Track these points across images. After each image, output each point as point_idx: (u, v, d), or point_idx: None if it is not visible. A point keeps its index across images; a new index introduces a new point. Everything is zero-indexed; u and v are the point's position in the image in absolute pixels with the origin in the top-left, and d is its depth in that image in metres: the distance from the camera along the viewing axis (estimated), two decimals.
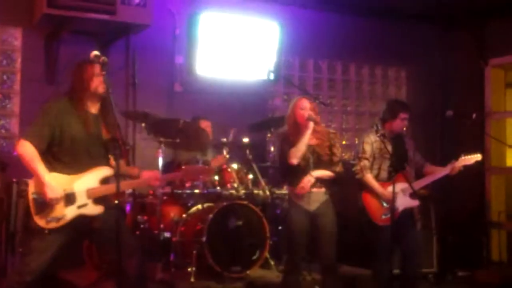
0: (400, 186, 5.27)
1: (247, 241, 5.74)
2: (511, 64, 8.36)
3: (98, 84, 4.13)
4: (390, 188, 5.20)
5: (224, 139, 6.42)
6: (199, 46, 7.53)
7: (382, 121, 5.51)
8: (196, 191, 6.00)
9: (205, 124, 6.64)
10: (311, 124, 4.83)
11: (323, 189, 4.92)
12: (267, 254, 5.95)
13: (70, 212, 4.03)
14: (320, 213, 4.87)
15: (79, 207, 4.06)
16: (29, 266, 4.00)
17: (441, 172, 5.48)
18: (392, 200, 5.13)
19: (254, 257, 5.75)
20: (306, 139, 4.82)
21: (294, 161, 4.82)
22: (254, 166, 6.40)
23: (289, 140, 4.93)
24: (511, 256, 7.92)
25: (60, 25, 6.55)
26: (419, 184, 5.49)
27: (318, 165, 4.86)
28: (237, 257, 5.67)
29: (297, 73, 8.49)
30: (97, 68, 4.10)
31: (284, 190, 6.32)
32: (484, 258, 7.72)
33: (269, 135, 7.17)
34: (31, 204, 3.96)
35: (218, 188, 6.07)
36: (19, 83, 6.73)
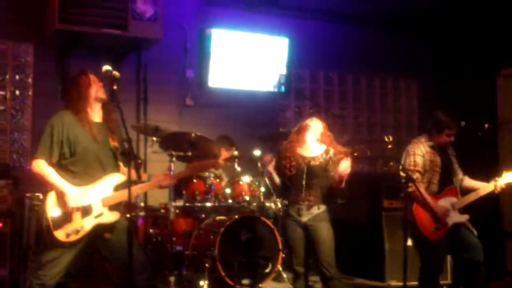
0: (450, 200, 5.20)
1: (259, 254, 5.72)
2: None
3: (97, 90, 4.19)
4: (440, 203, 5.14)
5: (236, 152, 6.45)
6: (210, 60, 7.58)
7: (428, 133, 5.37)
8: (208, 204, 6.00)
9: (228, 153, 6.73)
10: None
11: (316, 202, 4.86)
12: (279, 267, 5.92)
13: (88, 223, 4.06)
14: (312, 225, 4.83)
15: (96, 216, 4.09)
16: (42, 279, 4.01)
17: (485, 189, 5.31)
18: (444, 215, 5.08)
19: (267, 270, 5.73)
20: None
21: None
22: (266, 179, 6.39)
23: (284, 153, 4.97)
24: None
25: (72, 40, 6.60)
26: (465, 201, 5.33)
27: (312, 176, 4.85)
28: (250, 270, 5.65)
29: (308, 86, 8.50)
30: (92, 76, 4.19)
31: None
32: (499, 269, 7.64)
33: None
34: (49, 220, 3.97)
35: (230, 201, 6.07)
36: (31, 98, 6.79)
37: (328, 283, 4.82)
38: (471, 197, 5.34)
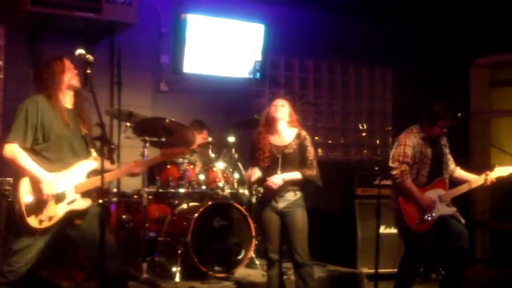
0: (437, 192, 5.19)
1: (232, 241, 5.73)
2: (496, 63, 8.41)
3: (71, 77, 4.15)
4: (428, 195, 5.15)
5: (210, 139, 6.43)
6: (185, 46, 7.53)
7: (420, 124, 5.31)
8: (181, 190, 5.98)
9: (205, 136, 6.75)
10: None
11: (293, 189, 4.89)
12: (252, 254, 5.94)
13: (61, 209, 4.02)
14: (288, 211, 4.86)
15: (69, 203, 4.05)
16: (13, 266, 3.97)
17: (476, 182, 5.31)
18: (430, 208, 5.09)
19: (240, 257, 5.75)
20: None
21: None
22: (240, 165, 6.39)
23: (254, 146, 5.01)
24: (494, 255, 7.97)
25: (44, 23, 6.50)
26: (455, 192, 5.33)
27: (287, 165, 4.85)
28: (223, 256, 5.66)
29: (283, 73, 8.49)
30: (67, 62, 4.14)
31: None
32: (468, 256, 7.74)
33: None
34: (22, 206, 3.91)
35: (204, 187, 6.06)
36: (2, 82, 6.66)
37: (300, 270, 4.85)
38: (461, 189, 5.34)
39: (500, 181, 5.32)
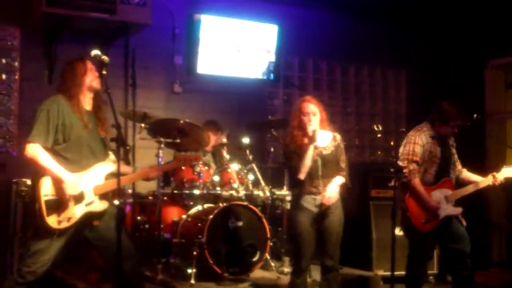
0: (444, 192, 5.16)
1: (247, 242, 5.70)
2: (511, 64, 8.34)
3: (92, 79, 4.15)
4: (434, 194, 5.12)
5: (224, 140, 6.41)
6: (199, 47, 7.53)
7: (431, 122, 5.27)
8: (196, 191, 5.97)
9: (218, 137, 6.73)
10: (315, 137, 4.67)
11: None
12: (267, 255, 5.92)
13: (79, 211, 4.03)
14: (327, 213, 4.77)
15: (87, 204, 4.06)
16: (31, 267, 3.98)
17: (483, 183, 5.27)
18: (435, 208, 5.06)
19: (255, 258, 5.72)
20: (310, 155, 4.69)
21: (302, 176, 4.71)
22: (254, 166, 6.38)
23: (291, 149, 4.81)
24: (511, 258, 7.90)
25: (59, 24, 6.51)
26: (461, 193, 5.27)
27: (325, 167, 4.77)
28: (238, 258, 5.64)
29: (296, 73, 8.47)
30: (89, 64, 4.16)
31: (284, 191, 6.29)
32: (484, 260, 7.69)
33: (269, 135, 7.15)
34: (43, 205, 3.92)
35: (218, 188, 6.04)
36: (18, 83, 6.69)
37: (328, 274, 4.79)
38: (468, 189, 5.30)
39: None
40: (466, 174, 5.44)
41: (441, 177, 5.20)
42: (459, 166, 5.42)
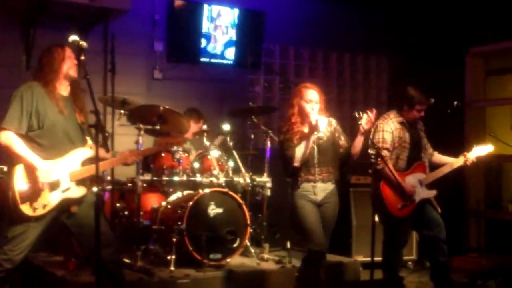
0: (418, 177, 5.23)
1: (227, 229, 5.70)
2: (491, 52, 8.39)
3: (70, 67, 4.12)
4: (408, 179, 5.16)
5: (204, 126, 6.38)
6: (179, 32, 7.47)
7: (398, 108, 5.36)
8: (176, 178, 5.95)
9: (197, 126, 6.71)
10: (318, 127, 4.58)
11: (330, 178, 4.80)
12: (247, 242, 5.93)
13: (55, 197, 4.01)
14: (327, 201, 4.77)
15: (64, 191, 4.04)
16: (8, 254, 3.96)
17: (456, 163, 5.35)
18: (411, 193, 5.13)
19: (235, 245, 5.72)
20: (309, 145, 4.65)
21: (297, 164, 4.67)
22: (235, 153, 6.37)
23: (287, 137, 4.74)
24: (489, 244, 8.00)
25: (37, 9, 6.43)
26: (435, 175, 5.37)
27: (322, 154, 4.75)
28: (217, 244, 5.64)
29: (278, 60, 8.43)
30: (68, 51, 4.12)
31: (265, 178, 6.30)
32: (462, 246, 7.78)
33: (249, 122, 7.14)
34: (16, 193, 3.89)
35: (198, 175, 6.02)
36: None
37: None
38: (442, 170, 5.38)
39: (491, 169, 5.38)
40: (438, 157, 5.55)
41: (413, 162, 5.27)
42: (430, 149, 5.52)
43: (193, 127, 6.61)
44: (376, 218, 5.06)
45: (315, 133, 4.63)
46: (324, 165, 4.77)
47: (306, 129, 4.73)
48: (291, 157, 4.67)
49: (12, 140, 3.92)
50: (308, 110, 4.72)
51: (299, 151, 4.67)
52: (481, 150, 5.42)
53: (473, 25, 8.25)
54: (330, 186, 4.82)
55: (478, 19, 8.19)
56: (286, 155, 4.73)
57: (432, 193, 5.34)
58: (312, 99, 4.76)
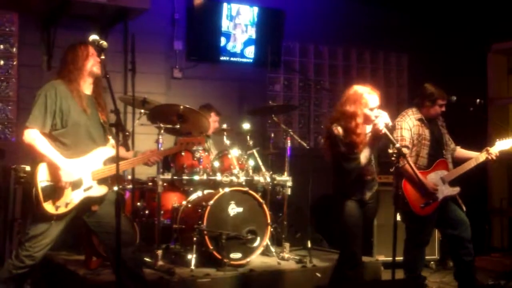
0: (440, 174, 5.15)
1: (248, 228, 5.67)
2: None
3: (93, 64, 4.12)
4: (430, 177, 5.09)
5: (224, 125, 6.36)
6: (199, 31, 7.47)
7: (417, 105, 5.27)
8: (196, 177, 5.93)
9: (214, 119, 6.72)
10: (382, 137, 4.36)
11: (375, 178, 4.66)
12: (267, 241, 5.90)
13: (77, 196, 4.03)
14: (372, 202, 4.66)
15: (85, 190, 4.06)
16: (29, 251, 3.99)
17: (478, 159, 5.25)
18: (433, 191, 5.03)
19: (255, 244, 5.69)
20: (373, 148, 4.44)
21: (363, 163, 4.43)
22: (255, 152, 6.34)
23: (353, 149, 4.44)
24: None
25: (57, 9, 6.47)
26: (457, 172, 5.25)
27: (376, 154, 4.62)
28: (238, 244, 5.61)
29: (297, 59, 8.40)
30: (91, 49, 4.11)
31: (285, 177, 6.26)
32: (485, 245, 7.69)
33: (269, 121, 7.11)
34: (39, 191, 3.91)
35: (218, 174, 6.01)
36: (16, 69, 6.66)
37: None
38: (465, 167, 5.28)
39: None
40: (461, 151, 5.46)
41: (435, 159, 5.19)
42: (452, 145, 5.43)
43: (213, 123, 6.59)
44: (398, 217, 4.99)
45: (382, 138, 4.40)
46: (372, 165, 4.63)
47: (368, 134, 4.49)
48: (354, 170, 4.45)
49: (36, 138, 3.94)
50: (374, 118, 4.43)
51: (364, 156, 4.43)
52: (504, 144, 5.33)
53: (495, 21, 8.15)
54: (375, 187, 4.67)
55: (500, 15, 8.09)
56: (348, 167, 4.46)
57: (455, 190, 5.25)
58: (376, 105, 4.53)
